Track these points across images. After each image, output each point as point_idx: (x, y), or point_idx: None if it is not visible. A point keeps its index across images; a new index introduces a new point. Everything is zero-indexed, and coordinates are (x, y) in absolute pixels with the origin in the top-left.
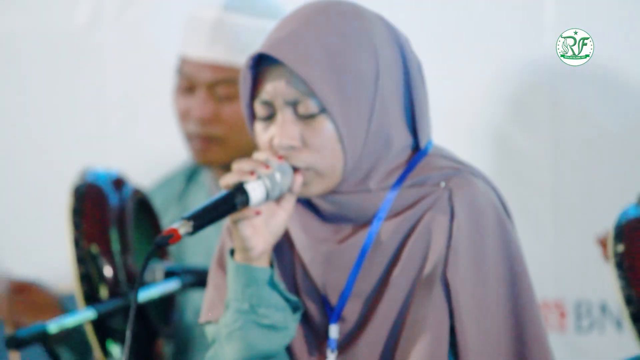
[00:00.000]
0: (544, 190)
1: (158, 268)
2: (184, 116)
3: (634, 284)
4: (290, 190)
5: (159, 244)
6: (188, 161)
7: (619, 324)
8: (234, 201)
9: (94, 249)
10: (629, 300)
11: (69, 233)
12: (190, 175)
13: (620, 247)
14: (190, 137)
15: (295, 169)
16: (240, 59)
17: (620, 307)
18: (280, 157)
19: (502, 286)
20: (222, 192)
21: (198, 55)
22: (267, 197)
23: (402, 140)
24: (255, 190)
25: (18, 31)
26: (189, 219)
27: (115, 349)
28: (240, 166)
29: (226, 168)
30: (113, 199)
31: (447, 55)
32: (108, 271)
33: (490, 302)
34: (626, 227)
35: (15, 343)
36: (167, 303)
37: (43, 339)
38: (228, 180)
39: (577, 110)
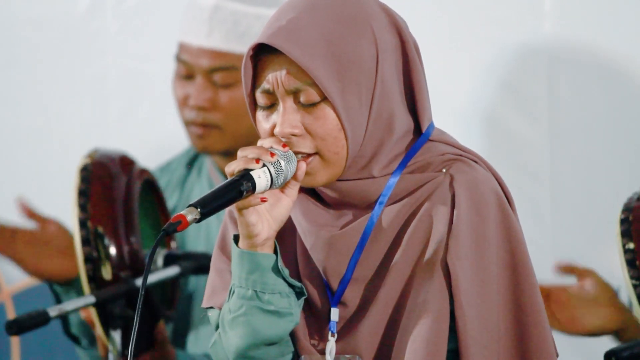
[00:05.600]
0: (541, 176)
1: (159, 254)
2: (182, 103)
3: None
4: (294, 177)
5: (167, 231)
6: (189, 148)
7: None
8: (240, 188)
9: (100, 230)
10: None
11: (74, 214)
12: (191, 162)
13: (631, 245)
14: (188, 124)
15: (300, 157)
16: (239, 46)
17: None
18: (284, 145)
19: (502, 272)
20: (228, 179)
21: (196, 42)
22: (272, 184)
23: (403, 124)
24: (261, 177)
25: (19, 17)
26: (196, 206)
27: (115, 336)
28: (245, 153)
29: (224, 155)
30: (120, 180)
31: (446, 40)
32: (113, 252)
33: (490, 288)
34: (633, 224)
35: (16, 328)
36: (170, 287)
37: (43, 323)
38: (234, 167)
39: (574, 95)
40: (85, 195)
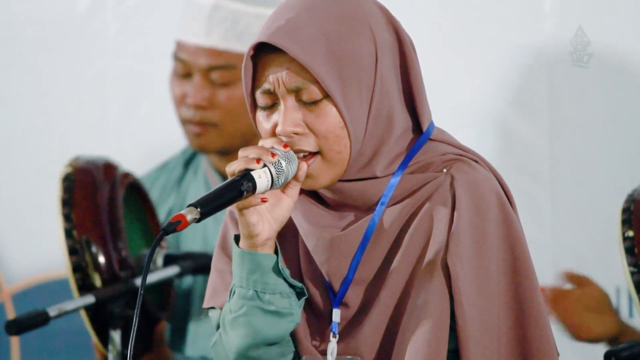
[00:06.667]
0: (541, 176)
1: (158, 254)
2: (180, 101)
3: None
4: (295, 177)
5: (166, 230)
6: (186, 147)
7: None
8: (240, 188)
9: (86, 238)
10: (639, 287)
11: (60, 224)
12: (188, 161)
13: (630, 233)
14: (185, 122)
15: (300, 157)
16: (237, 45)
17: (616, 293)
18: (285, 146)
19: (503, 272)
20: (229, 179)
21: (195, 41)
22: (273, 185)
23: (403, 122)
24: (261, 177)
25: (19, 18)
26: (196, 205)
27: (115, 336)
28: (246, 153)
29: (221, 154)
30: (103, 186)
31: (446, 40)
32: (101, 260)
33: (491, 288)
34: (634, 214)
35: (16, 328)
36: (165, 288)
37: (43, 323)
38: (234, 167)
39: (574, 95)
40: (69, 204)
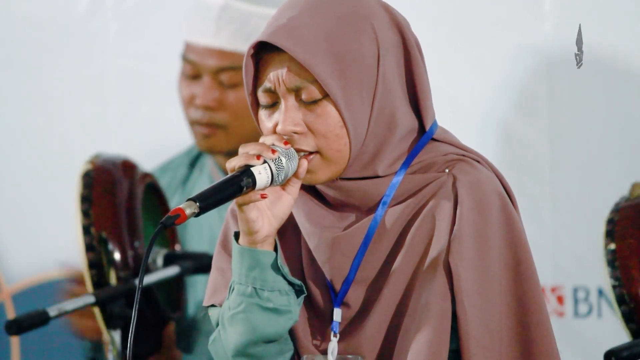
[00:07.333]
0: (541, 176)
1: (158, 254)
2: (188, 102)
3: (626, 284)
4: (295, 174)
5: (165, 224)
6: (191, 147)
7: (615, 310)
8: (240, 184)
9: (104, 235)
10: (621, 300)
11: (78, 220)
12: (194, 161)
13: (612, 245)
14: (194, 124)
15: (301, 155)
16: (246, 46)
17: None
18: (286, 143)
19: (505, 272)
20: (229, 174)
21: (203, 42)
22: (273, 181)
23: (406, 122)
24: (261, 174)
25: (19, 18)
26: (195, 200)
27: (115, 335)
28: (246, 149)
29: (229, 155)
30: (122, 184)
31: (446, 40)
32: (117, 257)
33: (493, 288)
34: (617, 225)
35: (16, 328)
36: (175, 289)
37: (43, 323)
38: (234, 163)
39: (574, 95)
40: (88, 201)
